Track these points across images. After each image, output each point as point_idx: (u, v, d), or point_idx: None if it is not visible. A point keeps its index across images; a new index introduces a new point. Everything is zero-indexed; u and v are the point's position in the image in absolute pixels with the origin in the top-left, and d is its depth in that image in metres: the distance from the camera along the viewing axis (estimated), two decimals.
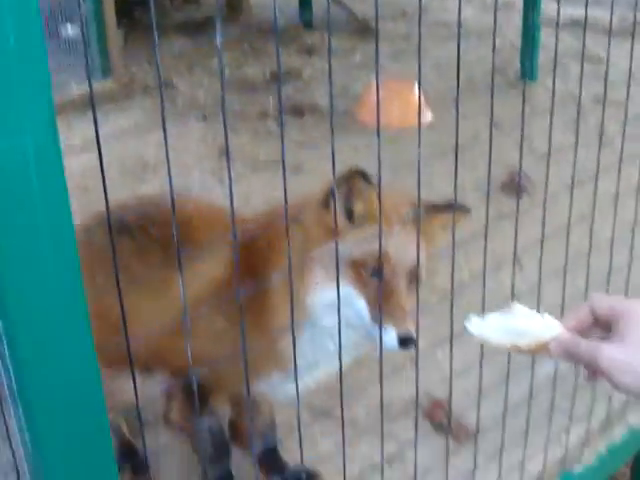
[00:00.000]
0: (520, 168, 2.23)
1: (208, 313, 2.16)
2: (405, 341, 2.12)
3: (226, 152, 1.39)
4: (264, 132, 5.73)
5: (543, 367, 2.53)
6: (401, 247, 2.22)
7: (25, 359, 1.23)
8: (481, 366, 2.24)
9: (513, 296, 2.27)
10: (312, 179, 4.20)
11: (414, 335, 2.10)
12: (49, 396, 1.27)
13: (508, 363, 2.32)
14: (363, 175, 2.10)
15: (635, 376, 1.43)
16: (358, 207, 2.18)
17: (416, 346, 2.10)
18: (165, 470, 2.83)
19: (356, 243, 2.17)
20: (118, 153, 5.06)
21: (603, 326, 1.55)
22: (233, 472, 2.70)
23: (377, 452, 2.77)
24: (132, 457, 2.74)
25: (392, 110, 5.12)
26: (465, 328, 1.64)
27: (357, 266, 2.17)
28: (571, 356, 1.53)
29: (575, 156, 2.25)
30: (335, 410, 3.01)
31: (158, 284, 2.26)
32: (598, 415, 3.03)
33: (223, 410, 2.60)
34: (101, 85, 6.11)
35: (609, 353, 1.45)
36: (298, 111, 6.01)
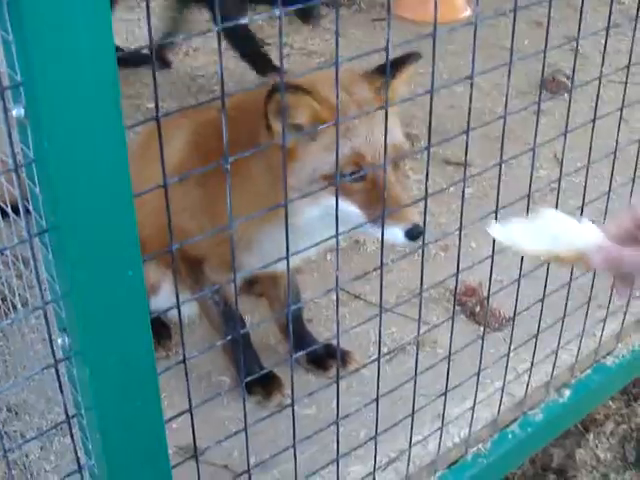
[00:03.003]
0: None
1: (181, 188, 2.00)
2: (412, 234, 2.04)
3: None
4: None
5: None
6: (372, 134, 2.06)
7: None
8: (522, 258, 2.17)
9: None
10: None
11: (420, 223, 2.01)
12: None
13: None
14: (288, 88, 1.91)
15: None
16: (300, 120, 2.02)
17: (423, 234, 2.01)
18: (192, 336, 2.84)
19: (323, 154, 2.04)
20: (148, 37, 4.94)
21: None
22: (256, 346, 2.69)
23: (407, 335, 2.79)
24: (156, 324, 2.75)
25: (431, 5, 5.00)
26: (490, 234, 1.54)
27: (333, 177, 1.99)
28: (615, 266, 1.41)
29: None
30: (366, 294, 3.00)
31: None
32: (634, 311, 2.98)
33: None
34: None
35: None
36: (334, 2, 5.85)
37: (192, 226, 2.27)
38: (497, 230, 1.51)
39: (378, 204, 1.94)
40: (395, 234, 2.04)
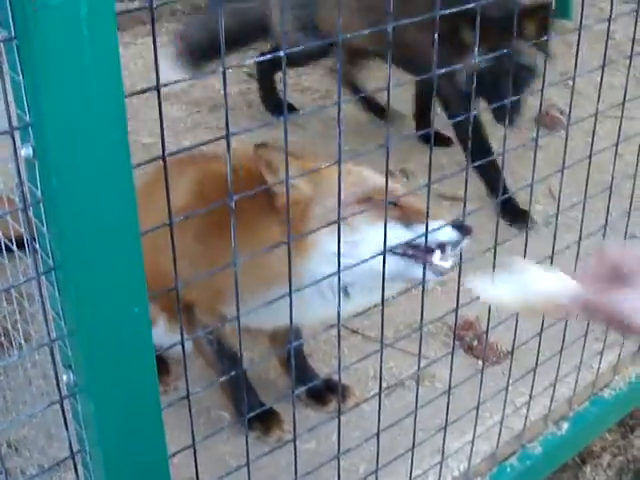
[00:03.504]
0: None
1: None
2: (460, 227, 2.08)
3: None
4: None
5: None
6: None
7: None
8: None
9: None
10: None
11: (461, 218, 2.05)
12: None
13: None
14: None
15: None
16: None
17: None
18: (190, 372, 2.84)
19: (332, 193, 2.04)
20: (145, 74, 5.00)
21: (619, 279, 1.44)
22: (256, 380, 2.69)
23: (405, 370, 2.80)
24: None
25: None
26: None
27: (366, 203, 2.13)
28: (592, 313, 1.46)
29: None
30: (364, 329, 3.01)
31: None
32: (629, 344, 3.00)
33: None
34: (125, 5, 6.02)
35: (629, 300, 1.38)
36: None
37: (185, 274, 2.28)
38: (475, 284, 1.56)
39: (417, 217, 2.09)
40: (448, 233, 2.09)
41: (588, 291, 1.44)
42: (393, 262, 2.04)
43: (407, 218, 2.14)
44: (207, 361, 2.63)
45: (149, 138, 4.16)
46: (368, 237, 2.09)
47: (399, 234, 2.09)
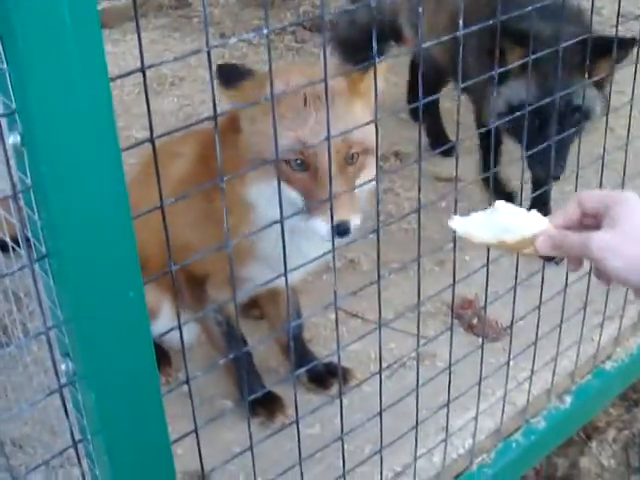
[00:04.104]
0: None
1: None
2: (339, 230, 2.00)
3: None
4: (282, 47, 5.64)
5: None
6: (320, 126, 2.03)
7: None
8: (517, 266, 2.19)
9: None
10: None
11: (348, 221, 2.01)
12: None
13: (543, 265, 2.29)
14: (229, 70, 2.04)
15: (625, 260, 1.44)
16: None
17: (348, 232, 2.02)
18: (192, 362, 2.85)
19: (264, 139, 2.03)
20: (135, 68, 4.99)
21: (591, 222, 1.56)
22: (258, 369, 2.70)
23: (407, 351, 2.80)
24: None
25: None
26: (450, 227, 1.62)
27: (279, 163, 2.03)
28: (559, 248, 1.54)
29: None
30: (363, 312, 3.01)
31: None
32: (630, 315, 3.00)
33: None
34: (116, 3, 6.01)
35: (600, 238, 1.46)
36: (317, 27, 5.90)
37: (197, 241, 2.28)
38: (456, 222, 1.62)
39: (317, 195, 2.02)
40: (321, 227, 2.04)
41: (560, 229, 1.55)
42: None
43: (309, 197, 2.09)
44: (214, 344, 2.65)
45: (142, 132, 4.17)
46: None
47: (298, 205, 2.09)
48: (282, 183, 1.83)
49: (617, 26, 2.24)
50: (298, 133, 2.05)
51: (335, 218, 1.79)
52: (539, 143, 2.24)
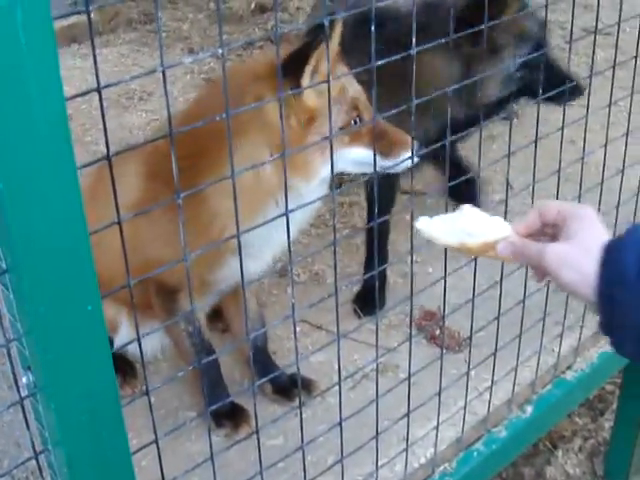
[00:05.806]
0: None
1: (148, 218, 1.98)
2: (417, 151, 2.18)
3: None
4: None
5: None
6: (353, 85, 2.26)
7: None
8: (475, 276, 2.23)
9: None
10: None
11: (413, 142, 2.14)
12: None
13: (502, 272, 2.33)
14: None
15: (579, 273, 1.46)
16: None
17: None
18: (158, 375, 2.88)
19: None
20: (103, 83, 5.00)
21: (550, 232, 1.60)
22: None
23: (369, 361, 2.83)
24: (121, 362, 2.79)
25: None
26: (415, 228, 1.66)
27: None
28: (518, 256, 1.59)
29: None
30: (327, 325, 3.04)
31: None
32: (590, 325, 3.05)
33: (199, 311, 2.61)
34: (83, 18, 6.00)
35: (553, 250, 1.50)
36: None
37: (167, 253, 2.28)
38: (422, 223, 1.67)
39: (386, 144, 2.25)
40: (405, 157, 2.24)
41: (519, 237, 1.60)
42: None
43: (387, 150, 2.26)
44: (183, 354, 2.68)
45: (111, 147, 4.16)
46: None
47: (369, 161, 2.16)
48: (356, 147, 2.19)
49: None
50: (351, 93, 2.25)
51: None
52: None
